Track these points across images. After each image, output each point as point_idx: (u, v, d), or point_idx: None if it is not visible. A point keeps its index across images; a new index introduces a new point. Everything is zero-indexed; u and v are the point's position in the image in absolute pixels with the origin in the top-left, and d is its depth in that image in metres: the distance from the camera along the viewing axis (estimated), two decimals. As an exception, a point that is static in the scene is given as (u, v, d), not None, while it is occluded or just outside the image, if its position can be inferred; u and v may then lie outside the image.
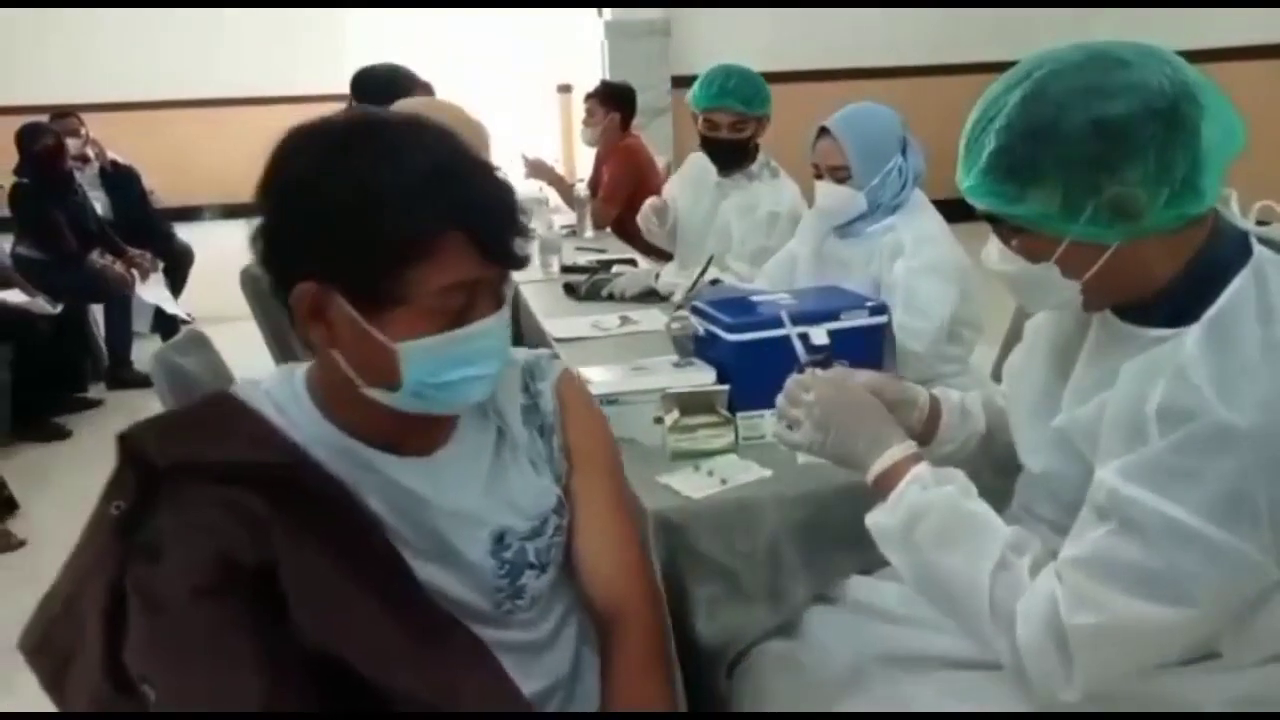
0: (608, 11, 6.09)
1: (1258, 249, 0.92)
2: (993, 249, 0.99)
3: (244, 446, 0.85)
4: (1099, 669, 0.89)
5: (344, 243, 0.83)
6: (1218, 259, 0.91)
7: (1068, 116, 0.87)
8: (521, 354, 1.07)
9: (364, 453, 0.92)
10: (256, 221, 0.87)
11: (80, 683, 0.83)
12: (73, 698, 0.85)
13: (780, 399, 1.15)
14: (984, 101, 0.94)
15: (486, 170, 0.89)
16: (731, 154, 2.64)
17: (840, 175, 1.95)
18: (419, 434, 0.95)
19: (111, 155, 4.93)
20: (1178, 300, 0.91)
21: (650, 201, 2.93)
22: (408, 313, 0.85)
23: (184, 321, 4.18)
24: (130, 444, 0.83)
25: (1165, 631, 0.86)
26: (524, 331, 2.30)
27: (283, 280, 0.88)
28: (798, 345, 1.22)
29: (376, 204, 0.82)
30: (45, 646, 0.85)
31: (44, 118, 4.57)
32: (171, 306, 4.42)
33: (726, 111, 2.56)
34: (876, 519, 1.04)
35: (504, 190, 0.89)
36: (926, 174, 1.99)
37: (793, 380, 1.15)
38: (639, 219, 2.96)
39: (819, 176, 2.00)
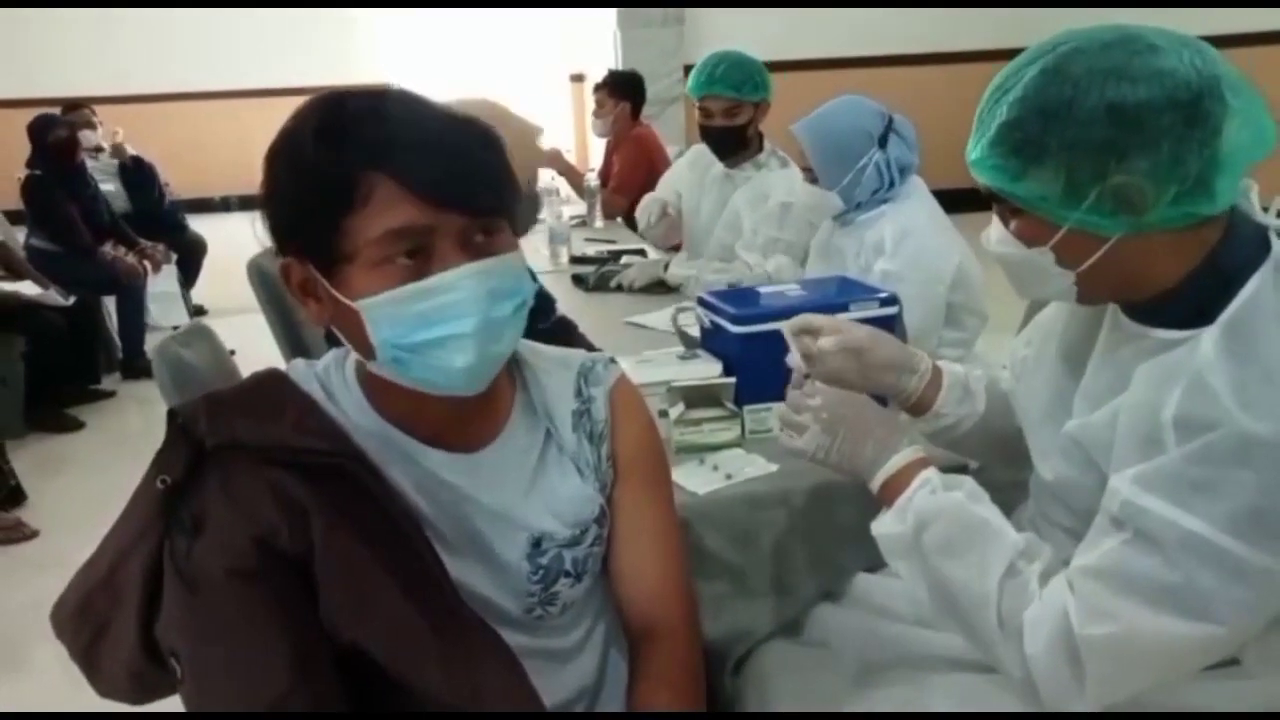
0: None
1: (1277, 245, 0.87)
2: (994, 230, 0.96)
3: (290, 431, 0.83)
4: (1112, 682, 0.86)
5: (287, 202, 0.83)
6: (1234, 257, 0.86)
7: (1083, 97, 0.84)
8: (578, 356, 1.04)
9: (407, 444, 0.91)
10: None
11: (116, 651, 0.84)
12: (107, 666, 0.86)
13: (783, 408, 1.12)
14: (1004, 72, 0.90)
15: (435, 114, 0.83)
16: (728, 141, 2.61)
17: (811, 176, 1.98)
18: (464, 429, 0.93)
19: (132, 151, 4.95)
20: (1192, 300, 0.87)
21: (649, 197, 2.91)
22: (358, 270, 0.81)
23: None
24: (180, 420, 0.83)
25: (1184, 646, 0.83)
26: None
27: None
28: (791, 342, 1.18)
29: (301, 154, 0.80)
30: (82, 615, 0.86)
31: (57, 110, 4.59)
32: (180, 314, 4.43)
33: (718, 98, 2.55)
34: (883, 528, 1.01)
35: (454, 131, 0.83)
36: (931, 163, 1.97)
37: (796, 390, 1.12)
38: (638, 211, 2.94)
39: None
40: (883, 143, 1.92)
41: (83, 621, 0.86)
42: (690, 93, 2.64)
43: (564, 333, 1.73)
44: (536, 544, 0.94)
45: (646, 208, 2.90)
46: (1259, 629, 0.84)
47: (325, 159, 0.80)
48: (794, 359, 1.16)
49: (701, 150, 2.77)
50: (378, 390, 0.91)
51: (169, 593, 0.80)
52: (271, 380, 0.91)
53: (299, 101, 0.85)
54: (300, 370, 0.95)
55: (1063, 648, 0.86)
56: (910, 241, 1.89)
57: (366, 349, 0.85)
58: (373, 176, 0.79)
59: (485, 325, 0.83)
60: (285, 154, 0.83)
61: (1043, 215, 0.89)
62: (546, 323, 1.75)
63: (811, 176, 1.99)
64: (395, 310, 0.82)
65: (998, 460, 1.16)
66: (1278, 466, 0.77)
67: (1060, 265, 0.90)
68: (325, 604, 0.80)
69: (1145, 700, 0.90)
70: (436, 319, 0.82)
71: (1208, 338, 0.84)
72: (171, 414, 0.84)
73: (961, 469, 1.14)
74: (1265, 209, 0.90)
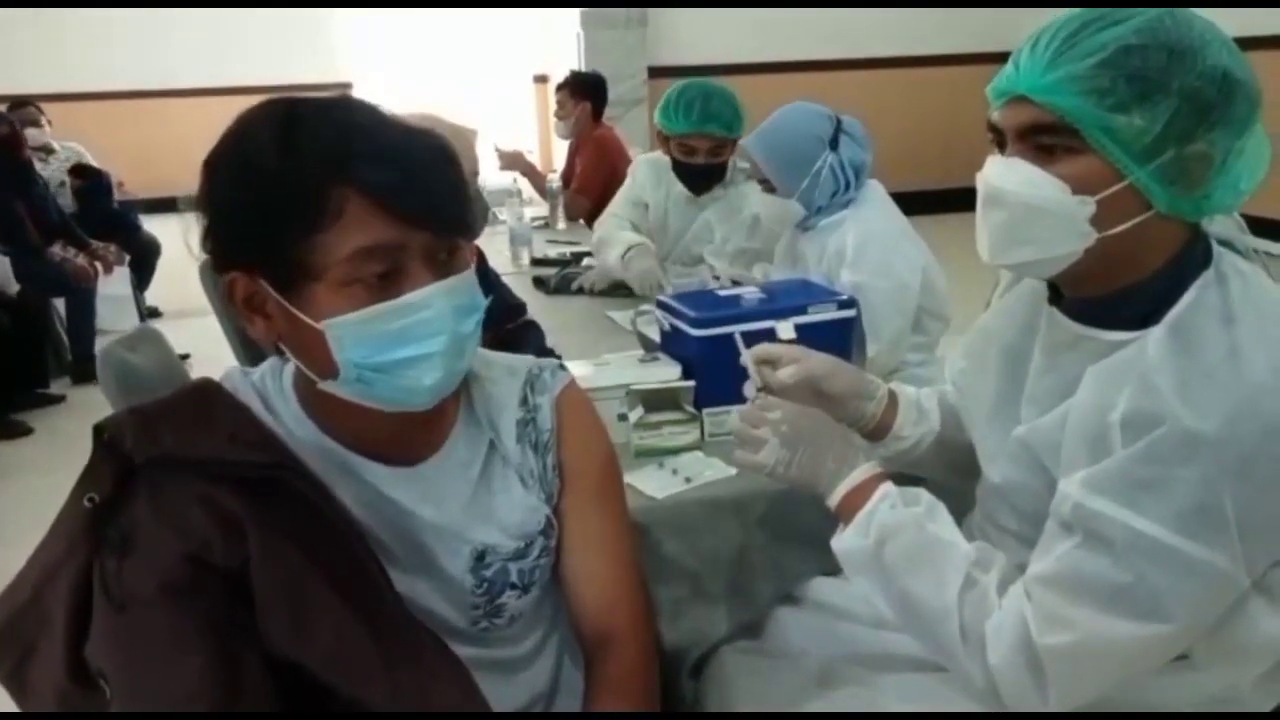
0: (583, 2, 6.04)
1: (1217, 250, 0.90)
2: (1015, 169, 0.88)
3: (224, 443, 0.80)
4: (1074, 687, 0.87)
5: (242, 217, 0.80)
6: (1189, 262, 0.88)
7: (1206, 51, 0.82)
8: (526, 363, 1.02)
9: (347, 458, 0.89)
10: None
11: (44, 674, 0.81)
12: (36, 689, 0.83)
13: (737, 424, 1.10)
14: (1093, 10, 0.86)
15: (400, 129, 0.82)
16: (712, 178, 2.47)
17: (768, 187, 1.98)
18: (405, 441, 0.91)
19: (80, 158, 4.83)
20: (1146, 301, 0.88)
21: (617, 232, 2.57)
22: (324, 288, 0.79)
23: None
24: (106, 436, 0.79)
25: (1140, 647, 0.84)
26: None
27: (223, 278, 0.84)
28: (751, 370, 1.17)
29: (262, 169, 0.78)
30: (8, 637, 0.82)
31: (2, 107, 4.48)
32: (131, 317, 4.33)
33: (707, 137, 2.35)
34: (845, 543, 1.00)
35: (421, 148, 0.82)
36: (891, 167, 1.98)
37: (752, 405, 1.10)
38: (603, 238, 2.62)
39: None
40: (834, 145, 1.93)
41: (8, 643, 0.82)
42: (668, 128, 2.39)
43: (522, 335, 1.72)
44: (480, 557, 0.92)
45: (622, 245, 2.49)
46: (1210, 624, 0.86)
47: (289, 171, 0.77)
48: (751, 371, 1.15)
49: (657, 165, 2.62)
50: (316, 402, 0.89)
51: (97, 613, 0.77)
52: (203, 391, 0.88)
53: (258, 100, 0.83)
54: (236, 379, 0.92)
55: (1024, 657, 0.87)
56: (873, 249, 1.89)
57: (325, 368, 0.83)
58: (342, 191, 0.78)
59: (454, 343, 0.83)
60: (238, 164, 0.80)
61: (1112, 160, 0.84)
62: (514, 323, 1.75)
63: (769, 187, 1.99)
64: (363, 330, 0.80)
65: (954, 474, 1.17)
66: (1221, 463, 0.78)
67: (1091, 223, 0.85)
68: (263, 619, 0.77)
69: (1100, 696, 0.91)
70: (407, 338, 0.81)
71: (1153, 338, 0.86)
72: (97, 429, 0.80)
73: (914, 481, 1.14)
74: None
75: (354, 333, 0.80)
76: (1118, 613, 0.82)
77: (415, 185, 0.80)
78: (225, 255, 0.83)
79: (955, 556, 0.94)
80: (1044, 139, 0.86)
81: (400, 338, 0.81)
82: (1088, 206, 0.85)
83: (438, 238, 0.82)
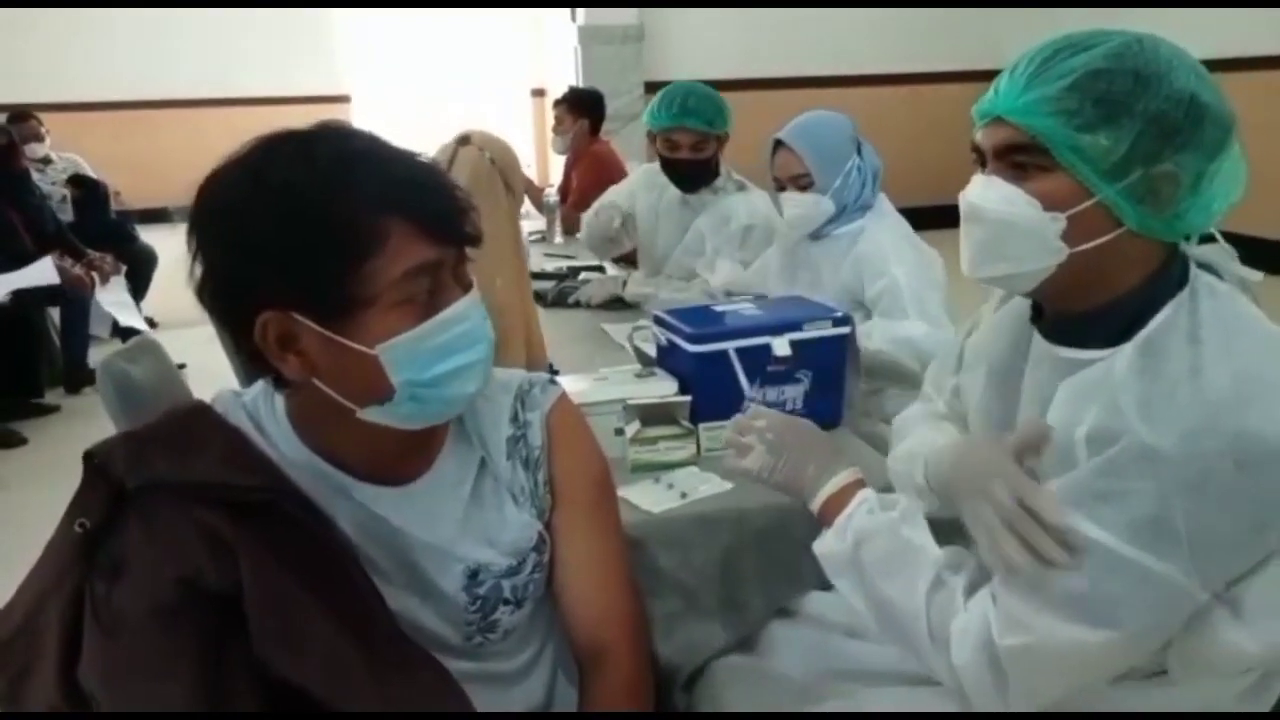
0: (581, 14, 6.08)
1: (1193, 270, 0.92)
2: (993, 187, 0.91)
3: (215, 467, 0.81)
4: (1032, 689, 0.89)
5: (287, 257, 0.80)
6: (1164, 282, 0.90)
7: (1173, 76, 0.86)
8: (517, 378, 1.03)
9: (339, 478, 0.90)
10: (195, 269, 0.83)
11: (38, 698, 0.81)
12: (30, 710, 0.82)
13: (728, 432, 1.14)
14: (1071, 36, 0.89)
15: (405, 152, 0.87)
16: (696, 174, 2.54)
17: (803, 182, 1.97)
18: (397, 461, 0.92)
19: (77, 169, 4.84)
20: (1115, 319, 0.91)
21: (606, 202, 2.79)
22: (376, 314, 0.81)
23: (140, 331, 4.10)
24: (96, 461, 0.80)
25: (1093, 653, 0.86)
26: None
27: (236, 321, 0.83)
28: (740, 373, 1.19)
29: (305, 207, 0.79)
30: (2, 659, 0.82)
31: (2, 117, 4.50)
32: (129, 317, 4.30)
33: (688, 131, 2.45)
34: (825, 546, 1.03)
35: (431, 169, 0.87)
36: (897, 182, 2.00)
37: (743, 415, 1.14)
38: (589, 213, 2.83)
39: (781, 189, 2.01)
40: (858, 149, 1.97)
41: (2, 666, 0.82)
42: (652, 124, 2.50)
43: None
44: (473, 575, 0.93)
45: (605, 212, 2.77)
46: (1168, 636, 0.87)
47: (335, 206, 0.79)
48: (743, 378, 1.18)
49: (653, 171, 2.70)
50: (308, 423, 0.90)
51: (88, 637, 0.77)
52: (194, 415, 0.88)
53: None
54: (227, 401, 0.93)
55: (985, 657, 0.89)
56: (905, 246, 1.94)
57: (374, 393, 0.84)
58: (387, 218, 0.81)
59: (490, 348, 0.88)
60: (274, 205, 0.79)
61: (1081, 179, 0.87)
62: None
63: (801, 184, 1.95)
64: (416, 347, 0.83)
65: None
66: (1177, 478, 0.80)
67: (1062, 239, 0.89)
68: (257, 641, 0.78)
69: (1080, 706, 0.93)
70: (454, 350, 0.85)
71: (1123, 356, 0.88)
72: (88, 455, 0.81)
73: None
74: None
75: (408, 351, 0.83)
76: (1072, 618, 0.84)
77: (440, 203, 0.84)
78: (255, 299, 0.82)
79: (925, 560, 0.97)
80: (1018, 158, 0.90)
81: (447, 350, 0.85)
82: (1058, 223, 0.89)
83: (460, 250, 0.87)
